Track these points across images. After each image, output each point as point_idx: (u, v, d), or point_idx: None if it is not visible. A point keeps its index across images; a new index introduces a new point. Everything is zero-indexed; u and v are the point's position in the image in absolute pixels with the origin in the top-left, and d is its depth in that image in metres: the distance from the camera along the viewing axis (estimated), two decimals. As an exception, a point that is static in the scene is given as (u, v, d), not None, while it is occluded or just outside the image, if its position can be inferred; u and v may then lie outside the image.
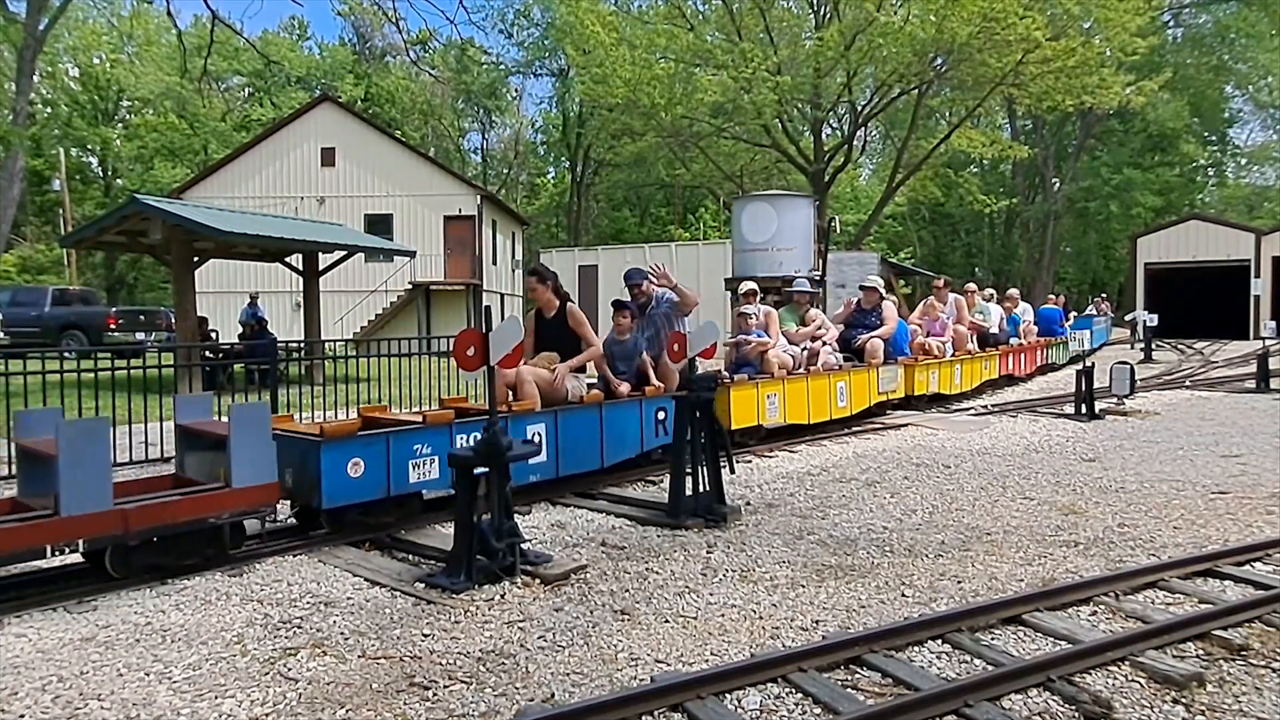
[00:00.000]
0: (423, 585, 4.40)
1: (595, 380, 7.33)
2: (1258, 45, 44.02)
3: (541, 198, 55.86)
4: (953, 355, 11.87)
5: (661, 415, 6.97)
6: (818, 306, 13.05)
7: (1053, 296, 21.62)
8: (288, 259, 16.65)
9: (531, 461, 5.86)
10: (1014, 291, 16.87)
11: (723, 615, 4.02)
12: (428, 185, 30.72)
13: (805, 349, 9.41)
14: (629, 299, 7.62)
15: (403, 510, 5.51)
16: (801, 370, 9.05)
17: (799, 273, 10.21)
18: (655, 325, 7.54)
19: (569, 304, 6.92)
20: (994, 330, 13.60)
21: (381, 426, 5.52)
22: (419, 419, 5.72)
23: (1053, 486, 6.69)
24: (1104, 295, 35.38)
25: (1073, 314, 21.96)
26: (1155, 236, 35.63)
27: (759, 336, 8.83)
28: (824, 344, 9.58)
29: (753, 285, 9.56)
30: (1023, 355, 14.71)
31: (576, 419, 6.44)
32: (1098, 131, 47.97)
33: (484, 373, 4.66)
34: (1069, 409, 10.68)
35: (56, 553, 4.10)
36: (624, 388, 6.95)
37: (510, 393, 6.26)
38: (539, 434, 6.07)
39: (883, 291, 10.68)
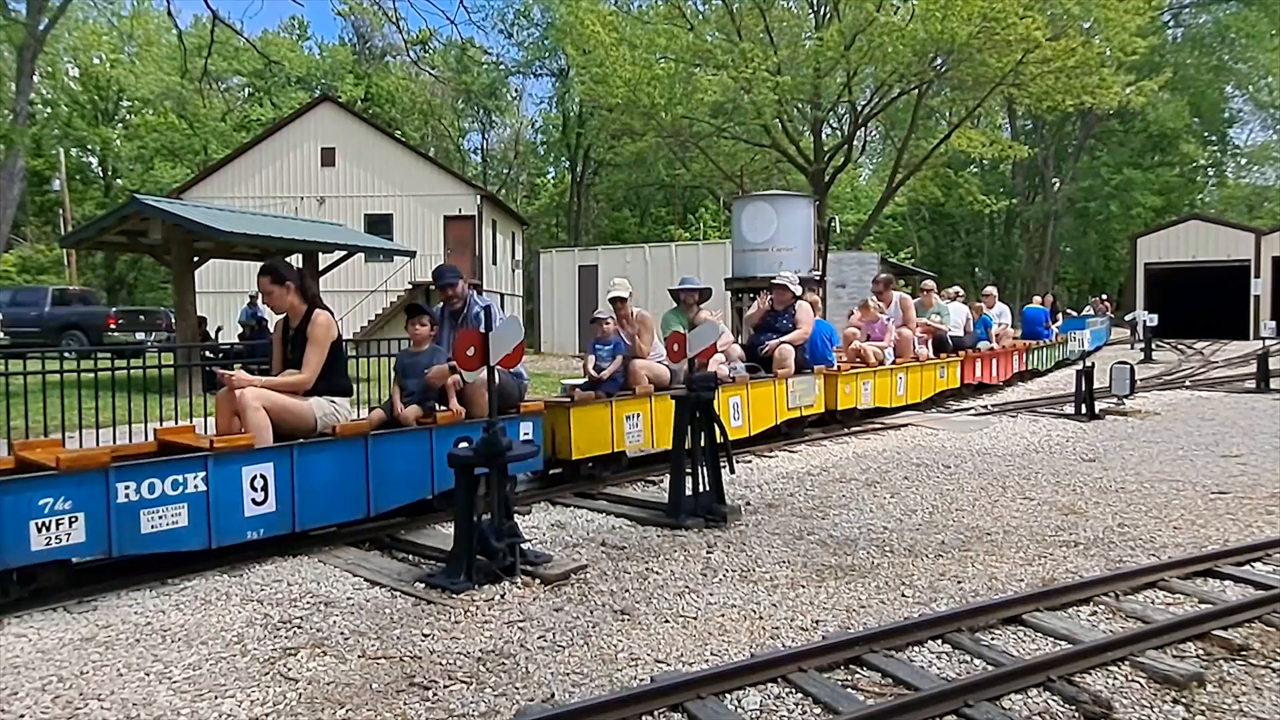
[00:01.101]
0: (423, 585, 4.40)
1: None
2: (1258, 45, 44.01)
3: (541, 198, 55.83)
4: (894, 362, 10.49)
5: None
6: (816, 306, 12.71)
7: (1039, 297, 20.19)
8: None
9: (249, 512, 4.72)
10: (990, 290, 15.92)
11: (723, 615, 4.01)
12: (428, 185, 30.72)
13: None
14: (455, 303, 6.60)
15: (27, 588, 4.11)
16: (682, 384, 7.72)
17: (682, 282, 8.46)
18: None
19: (318, 309, 5.43)
20: (956, 333, 12.46)
21: (179, 452, 4.68)
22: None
23: (1053, 486, 6.69)
24: (1104, 295, 35.08)
25: (1060, 314, 20.44)
26: (1155, 236, 35.63)
27: (616, 350, 7.25)
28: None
29: (619, 292, 7.56)
30: (994, 361, 13.32)
31: (323, 456, 5.06)
32: (1098, 131, 47.95)
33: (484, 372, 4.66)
34: (1069, 409, 10.68)
35: None
36: (409, 413, 5.68)
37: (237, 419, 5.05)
38: (262, 476, 4.78)
39: (797, 290, 9.01)
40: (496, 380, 4.83)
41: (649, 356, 7.46)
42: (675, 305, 8.45)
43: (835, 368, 9.43)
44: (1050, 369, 16.84)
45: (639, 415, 7.05)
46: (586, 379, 7.34)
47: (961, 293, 14.25)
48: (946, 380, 11.71)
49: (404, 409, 5.74)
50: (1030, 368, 15.48)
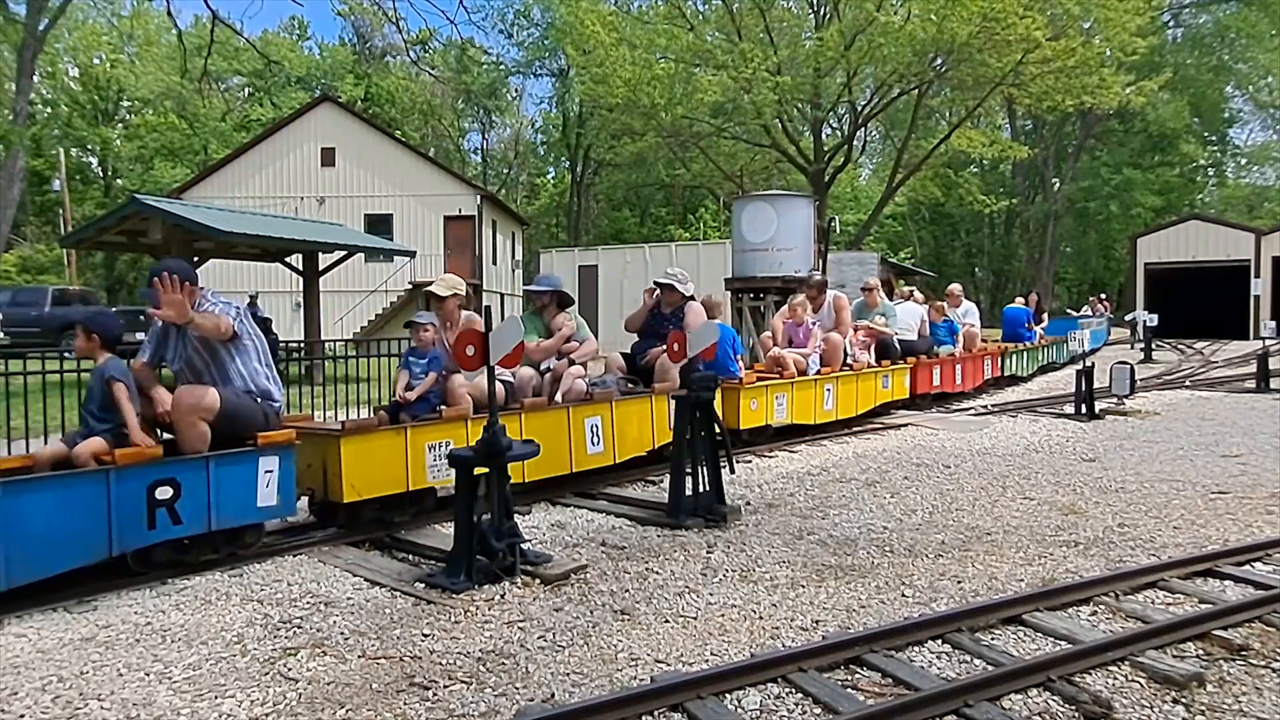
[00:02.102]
0: (423, 585, 4.40)
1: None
2: (1258, 45, 44.06)
3: (541, 198, 55.87)
4: (819, 372, 9.03)
5: (167, 493, 4.39)
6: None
7: (1021, 297, 18.51)
8: (288, 259, 16.65)
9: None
10: (955, 288, 14.47)
11: (723, 615, 4.01)
12: (428, 185, 30.74)
13: (548, 370, 6.78)
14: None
15: None
16: (544, 399, 6.44)
17: (537, 281, 7.31)
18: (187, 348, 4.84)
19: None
20: (908, 336, 11.09)
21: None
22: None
23: (1053, 486, 6.69)
24: (1103, 295, 34.77)
25: (1045, 314, 18.46)
26: (1155, 236, 35.64)
27: (432, 365, 5.90)
28: (573, 362, 6.83)
29: (444, 288, 6.29)
30: (957, 367, 11.98)
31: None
32: (1098, 131, 47.99)
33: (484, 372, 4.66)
34: (1069, 409, 10.67)
35: None
36: (86, 447, 4.38)
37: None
38: None
39: (686, 290, 7.49)
40: (485, 383, 4.83)
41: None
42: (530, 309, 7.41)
43: (738, 379, 7.92)
44: (1033, 374, 15.58)
45: (449, 444, 5.50)
46: (391, 401, 6.02)
47: (915, 291, 12.92)
48: (892, 390, 10.36)
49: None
50: (1007, 373, 14.09)
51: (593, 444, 6.50)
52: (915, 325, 11.45)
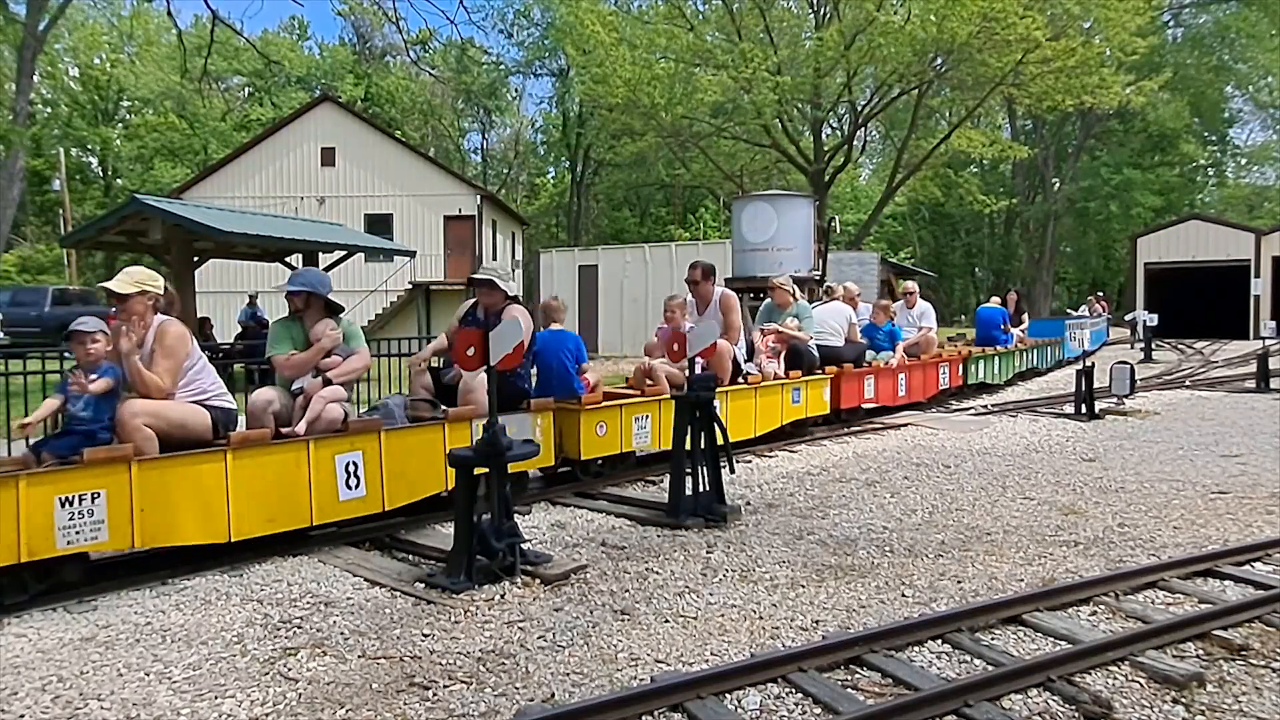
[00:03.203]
0: (423, 585, 4.40)
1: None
2: (1258, 45, 44.05)
3: (541, 198, 55.87)
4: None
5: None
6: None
7: (998, 296, 16.66)
8: (288, 259, 16.65)
9: None
10: (910, 285, 12.99)
11: (723, 615, 4.01)
12: (428, 185, 30.73)
13: (299, 391, 5.35)
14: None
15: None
16: (268, 431, 5.04)
17: (292, 280, 5.84)
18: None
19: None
20: (832, 341, 9.69)
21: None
22: None
23: (1053, 486, 6.69)
24: (1101, 294, 34.36)
25: (1025, 315, 16.70)
26: (1155, 236, 35.63)
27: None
28: (330, 381, 5.35)
29: (127, 284, 4.82)
30: (900, 376, 10.52)
31: None
32: (1098, 131, 47.99)
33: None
34: (1069, 409, 10.67)
35: None
36: None
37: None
38: None
39: (510, 289, 6.16)
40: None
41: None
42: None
43: (578, 398, 6.57)
44: (1008, 380, 14.09)
45: (98, 497, 4.19)
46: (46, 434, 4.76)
47: (847, 290, 10.91)
48: (805, 405, 8.72)
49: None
50: (974, 380, 12.60)
51: (348, 487, 5.12)
52: (840, 328, 9.88)
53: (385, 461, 5.28)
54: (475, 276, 6.28)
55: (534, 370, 6.61)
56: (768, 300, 9.36)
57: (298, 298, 5.63)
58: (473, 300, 6.23)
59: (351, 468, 5.16)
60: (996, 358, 13.43)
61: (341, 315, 5.72)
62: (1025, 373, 15.21)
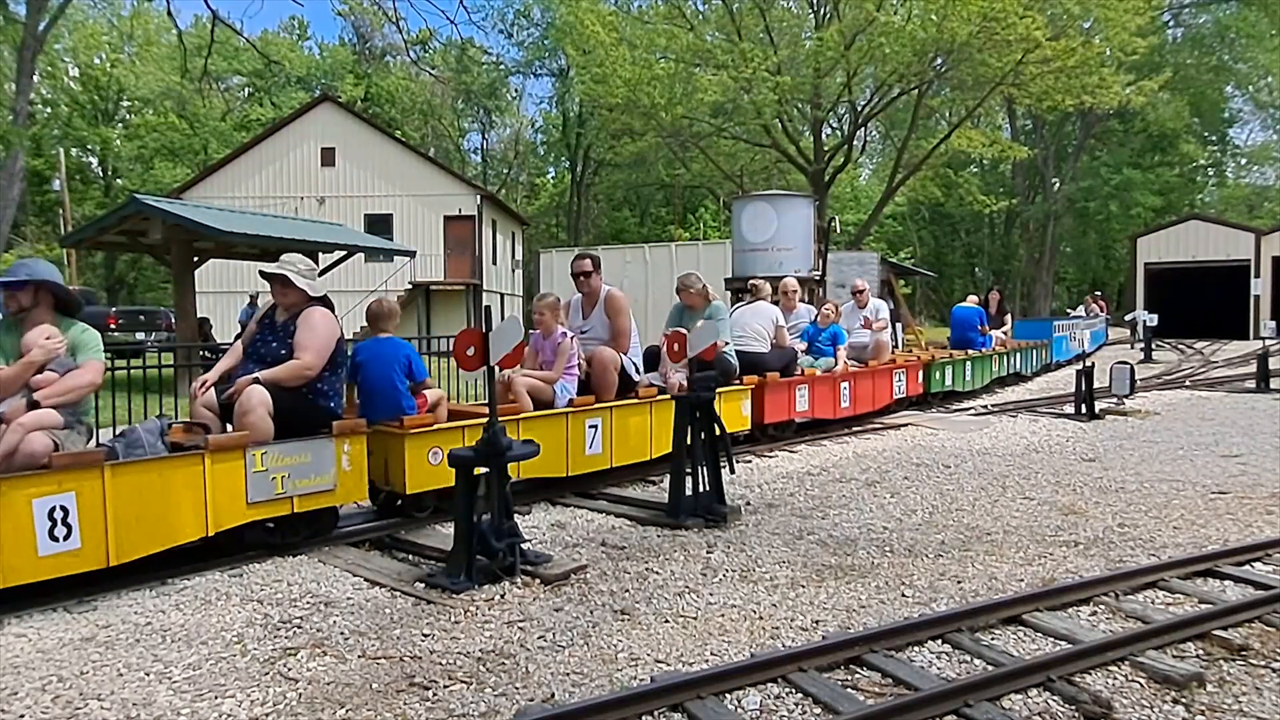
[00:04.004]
0: (423, 585, 4.40)
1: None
2: (1258, 45, 44.04)
3: (541, 198, 55.88)
4: (569, 402, 6.37)
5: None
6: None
7: (976, 296, 15.33)
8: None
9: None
10: (859, 282, 11.40)
11: (723, 615, 4.02)
12: (428, 185, 30.74)
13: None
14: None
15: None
16: None
17: (12, 271, 4.57)
18: None
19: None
20: (751, 347, 8.34)
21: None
22: None
23: (1053, 486, 6.69)
24: (1099, 294, 33.47)
25: (1009, 316, 15.31)
26: (1155, 236, 35.64)
27: None
28: (37, 404, 4.31)
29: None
30: (842, 385, 9.20)
31: None
32: (1098, 131, 47.99)
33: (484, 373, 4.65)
34: (1069, 409, 10.68)
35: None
36: None
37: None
38: None
39: (310, 287, 5.05)
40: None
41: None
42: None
43: (400, 421, 5.38)
44: (984, 386, 12.82)
45: None
46: None
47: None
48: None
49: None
50: (938, 388, 11.35)
51: (53, 538, 4.03)
52: (765, 332, 8.55)
53: (112, 505, 4.20)
54: (265, 270, 5.09)
55: (348, 387, 5.52)
56: (677, 302, 7.84)
57: (21, 293, 4.46)
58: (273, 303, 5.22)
59: (59, 514, 4.09)
60: (968, 363, 12.19)
61: (77, 317, 4.67)
62: (1007, 378, 14.11)
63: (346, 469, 5.03)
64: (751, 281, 9.74)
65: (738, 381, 7.87)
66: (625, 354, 6.77)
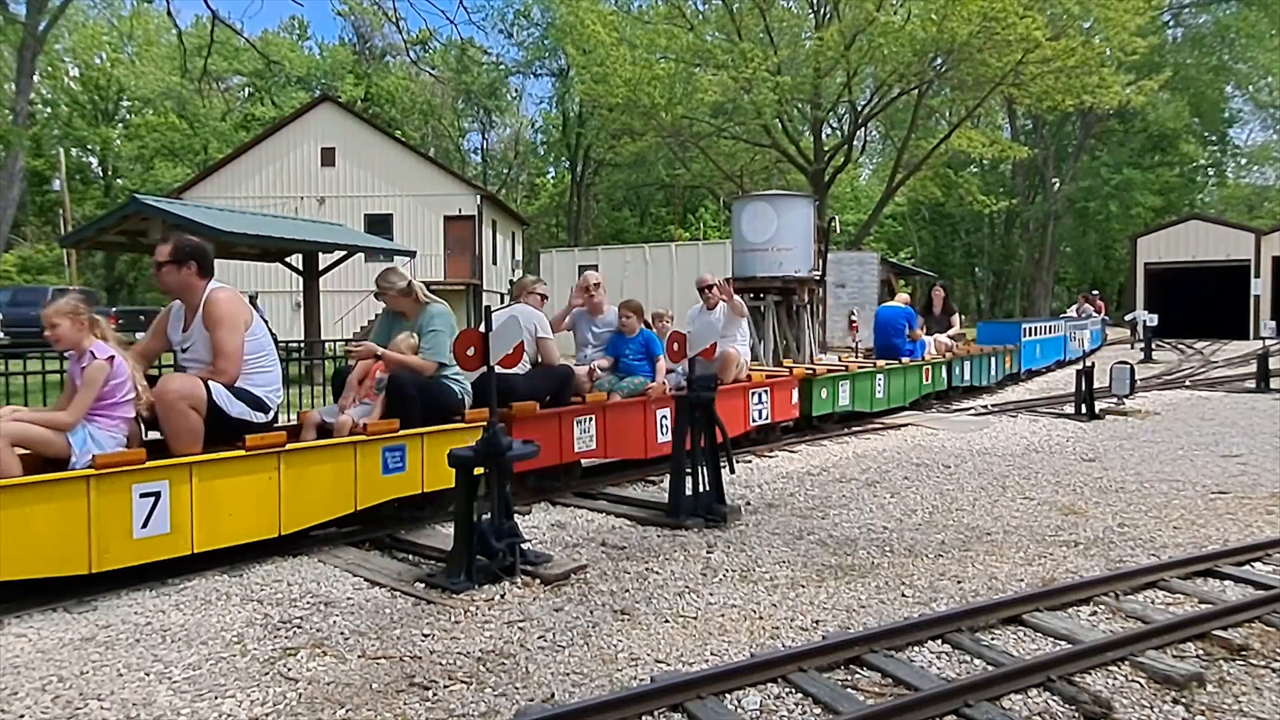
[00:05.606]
0: (423, 585, 4.40)
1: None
2: (1258, 45, 44.07)
3: (541, 198, 55.89)
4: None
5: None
6: (817, 306, 11.27)
7: (906, 295, 13.17)
8: (288, 259, 16.65)
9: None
10: (708, 277, 8.52)
11: (723, 615, 4.01)
12: (428, 185, 30.74)
13: None
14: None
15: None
16: None
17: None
18: None
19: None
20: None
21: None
22: None
23: (1053, 486, 6.69)
24: (1096, 292, 30.44)
25: (956, 317, 13.08)
26: (1155, 236, 35.64)
27: None
28: None
29: None
30: (660, 412, 6.95)
31: None
32: (1098, 131, 48.01)
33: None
34: (1069, 409, 10.68)
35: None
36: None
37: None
38: None
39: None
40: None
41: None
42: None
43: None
44: (911, 403, 10.65)
45: None
46: None
47: (539, 284, 7.44)
48: (414, 474, 5.32)
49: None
50: (822, 410, 9.14)
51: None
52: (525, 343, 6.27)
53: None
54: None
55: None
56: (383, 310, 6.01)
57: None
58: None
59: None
60: (881, 375, 9.89)
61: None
62: (940, 393, 11.61)
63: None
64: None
65: (457, 419, 5.53)
66: (230, 383, 4.73)
